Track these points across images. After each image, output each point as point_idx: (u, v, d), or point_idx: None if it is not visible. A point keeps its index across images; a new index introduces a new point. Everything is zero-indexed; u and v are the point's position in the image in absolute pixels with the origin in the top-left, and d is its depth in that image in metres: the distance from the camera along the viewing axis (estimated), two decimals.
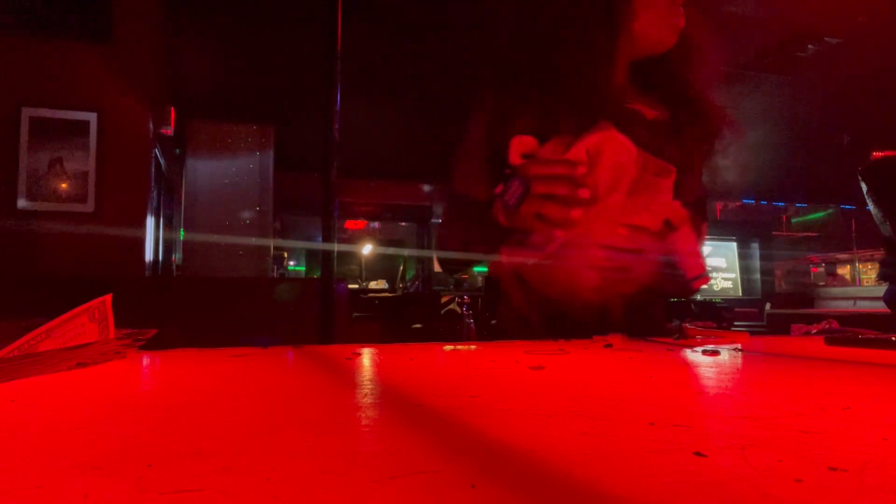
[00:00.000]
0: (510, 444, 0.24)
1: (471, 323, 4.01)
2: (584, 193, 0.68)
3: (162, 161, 3.67)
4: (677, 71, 0.92)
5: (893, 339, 0.62)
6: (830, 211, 8.77)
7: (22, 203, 2.77)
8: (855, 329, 0.86)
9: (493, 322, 0.98)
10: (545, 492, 0.18)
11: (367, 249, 6.78)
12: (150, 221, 3.13)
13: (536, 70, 0.87)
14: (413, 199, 6.99)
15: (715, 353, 0.58)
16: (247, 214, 4.18)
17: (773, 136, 5.78)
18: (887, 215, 1.77)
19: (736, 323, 5.49)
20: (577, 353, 0.57)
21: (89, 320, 0.49)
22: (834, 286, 7.82)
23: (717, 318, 5.52)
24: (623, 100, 0.89)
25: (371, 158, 5.49)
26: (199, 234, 4.05)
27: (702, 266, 0.80)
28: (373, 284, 6.24)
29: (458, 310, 4.09)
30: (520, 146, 0.74)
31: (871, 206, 1.81)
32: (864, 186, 1.83)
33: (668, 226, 0.75)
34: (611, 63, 0.85)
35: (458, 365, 0.49)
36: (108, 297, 0.51)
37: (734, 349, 0.62)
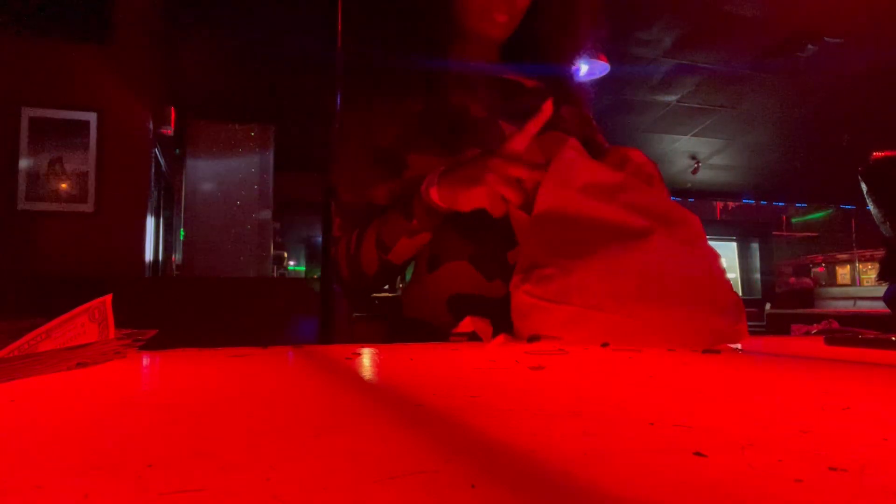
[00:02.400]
0: (510, 444, 0.24)
1: None
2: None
3: (162, 161, 3.67)
4: (542, 47, 0.97)
5: (893, 339, 0.62)
6: (830, 211, 8.77)
7: (22, 203, 2.77)
8: (855, 329, 0.86)
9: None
10: (545, 492, 0.18)
11: None
12: (150, 221, 3.13)
13: (386, 60, 0.90)
14: None
15: (715, 352, 0.58)
16: (246, 214, 4.18)
17: (774, 136, 5.79)
18: (887, 215, 1.77)
19: None
20: (577, 353, 0.57)
21: (89, 320, 0.49)
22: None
23: None
24: (493, 71, 0.94)
25: None
26: (199, 234, 4.05)
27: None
28: None
29: None
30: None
31: (871, 207, 1.82)
32: (864, 187, 1.83)
33: None
34: (440, 35, 0.90)
35: (458, 365, 0.49)
36: (109, 298, 0.51)
37: (735, 349, 0.62)
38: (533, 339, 0.65)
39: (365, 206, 0.89)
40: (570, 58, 0.99)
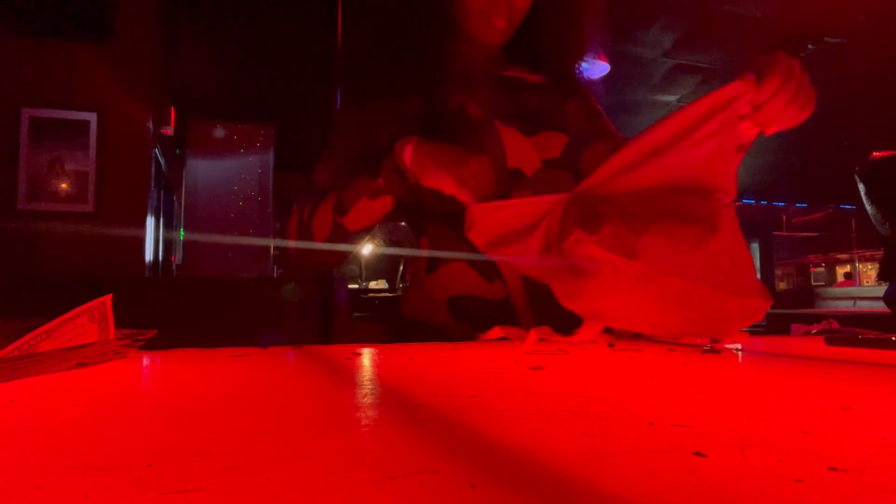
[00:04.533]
0: (510, 444, 0.24)
1: None
2: None
3: (162, 161, 3.66)
4: (544, 50, 0.96)
5: (893, 339, 0.62)
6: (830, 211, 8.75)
7: (22, 203, 2.77)
8: (855, 329, 0.86)
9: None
10: (545, 492, 0.18)
11: (367, 249, 6.78)
12: (150, 221, 3.13)
13: (386, 64, 0.89)
14: None
15: (715, 352, 0.58)
16: (247, 214, 4.18)
17: (774, 135, 5.78)
18: (887, 215, 1.76)
19: None
20: (577, 353, 0.57)
21: (89, 320, 0.49)
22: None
23: None
24: (493, 68, 0.93)
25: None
26: (199, 234, 4.05)
27: None
28: (373, 284, 6.24)
29: None
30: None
31: (868, 207, 1.81)
32: (861, 187, 1.83)
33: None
34: (444, 36, 0.89)
35: (458, 365, 0.49)
36: (108, 298, 0.51)
37: (735, 349, 0.62)
38: (570, 334, 0.65)
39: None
40: (574, 60, 0.98)
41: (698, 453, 0.22)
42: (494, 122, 0.87)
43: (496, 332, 0.71)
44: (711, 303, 0.62)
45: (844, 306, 7.24)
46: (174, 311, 2.36)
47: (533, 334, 0.65)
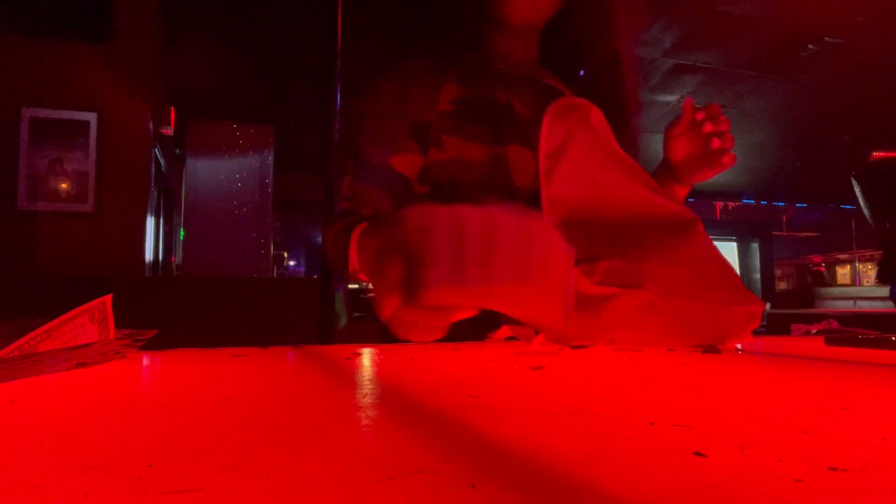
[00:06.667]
0: (510, 444, 0.24)
1: None
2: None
3: (162, 161, 3.67)
4: (578, 50, 0.96)
5: (893, 339, 0.62)
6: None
7: (22, 203, 2.77)
8: (855, 329, 0.85)
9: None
10: (545, 492, 0.18)
11: None
12: (150, 221, 3.13)
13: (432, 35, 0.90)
14: None
15: (715, 352, 0.58)
16: (246, 214, 4.18)
17: (774, 136, 5.78)
18: (887, 217, 1.76)
19: None
20: (576, 353, 0.57)
21: (89, 321, 0.49)
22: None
23: None
24: (532, 73, 0.94)
25: None
26: (199, 234, 4.04)
27: None
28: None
29: None
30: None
31: (865, 209, 1.81)
32: (858, 190, 1.83)
33: None
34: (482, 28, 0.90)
35: (458, 365, 0.49)
36: (108, 298, 0.51)
37: (735, 349, 0.62)
38: (578, 347, 0.64)
39: (383, 170, 0.85)
40: (610, 59, 0.97)
41: (698, 453, 0.22)
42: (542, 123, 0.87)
43: (504, 331, 0.71)
44: (715, 318, 0.62)
45: (844, 306, 7.24)
46: (174, 311, 2.36)
47: (541, 336, 0.65)
